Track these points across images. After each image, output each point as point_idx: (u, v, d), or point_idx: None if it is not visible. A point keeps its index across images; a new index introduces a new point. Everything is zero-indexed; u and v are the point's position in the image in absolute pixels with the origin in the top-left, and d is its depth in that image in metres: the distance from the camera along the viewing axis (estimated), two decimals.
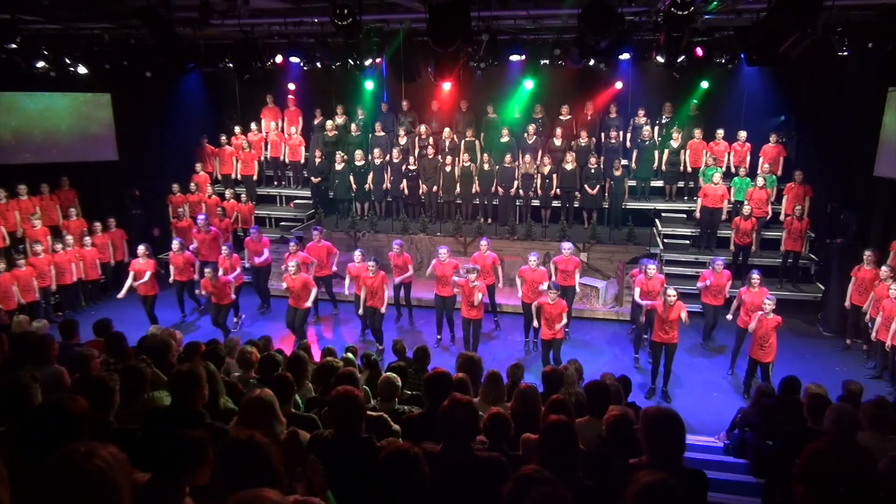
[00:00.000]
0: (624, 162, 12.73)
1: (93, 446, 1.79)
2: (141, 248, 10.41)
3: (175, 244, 10.84)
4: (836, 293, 10.39)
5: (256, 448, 2.36)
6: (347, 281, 10.19)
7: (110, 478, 1.74)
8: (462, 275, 9.53)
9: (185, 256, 10.79)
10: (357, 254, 10.22)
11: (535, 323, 8.88)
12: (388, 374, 5.09)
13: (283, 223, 13.99)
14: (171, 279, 10.95)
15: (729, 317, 9.13)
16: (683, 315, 8.20)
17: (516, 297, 9.91)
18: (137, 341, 6.18)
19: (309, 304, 9.61)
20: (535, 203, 12.95)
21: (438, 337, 10.14)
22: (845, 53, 8.25)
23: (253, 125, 14.32)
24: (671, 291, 8.27)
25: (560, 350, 8.80)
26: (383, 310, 9.70)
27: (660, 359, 8.52)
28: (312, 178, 13.47)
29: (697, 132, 12.42)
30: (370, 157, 13.16)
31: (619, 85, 12.92)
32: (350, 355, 7.03)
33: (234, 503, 1.84)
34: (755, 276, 8.90)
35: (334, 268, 11.23)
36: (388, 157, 13.10)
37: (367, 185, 13.21)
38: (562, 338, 8.86)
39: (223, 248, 10.81)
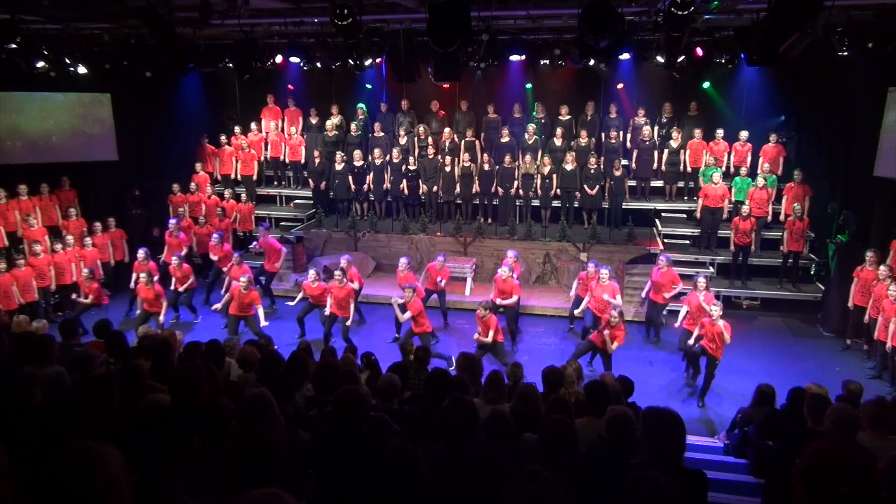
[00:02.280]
0: (624, 162, 12.73)
1: (91, 446, 1.79)
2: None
3: (174, 260, 10.67)
4: (836, 293, 10.39)
5: (271, 445, 2.40)
6: (300, 296, 10.05)
7: (108, 478, 1.74)
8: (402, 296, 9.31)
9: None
10: (311, 272, 9.95)
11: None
12: (388, 374, 5.09)
13: (283, 223, 13.99)
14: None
15: (676, 325, 9.15)
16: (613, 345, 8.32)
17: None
18: (137, 341, 6.19)
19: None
20: (535, 203, 12.95)
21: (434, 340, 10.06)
22: (845, 53, 8.25)
23: (253, 125, 14.32)
24: (615, 314, 8.29)
25: (500, 353, 8.79)
26: (349, 323, 9.54)
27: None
28: (311, 181, 13.50)
29: (697, 132, 12.43)
30: (370, 157, 13.16)
31: (619, 85, 12.95)
32: (350, 355, 7.03)
33: (249, 502, 1.83)
34: (701, 280, 8.98)
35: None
36: (387, 157, 13.10)
37: (366, 185, 13.22)
38: (491, 343, 8.70)
39: (173, 258, 10.64)
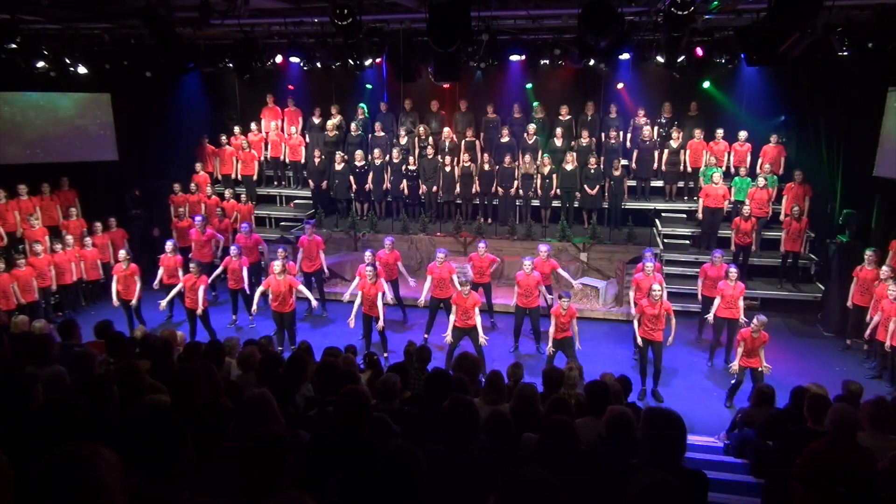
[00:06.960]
0: (624, 162, 12.73)
1: (79, 447, 1.78)
2: (122, 253, 10.52)
3: (168, 245, 10.68)
4: (836, 293, 10.39)
5: (278, 442, 2.42)
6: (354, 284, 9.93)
7: (102, 479, 1.73)
8: (459, 281, 9.33)
9: (176, 259, 10.56)
10: (367, 254, 9.97)
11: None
12: (388, 374, 5.09)
13: (283, 223, 13.99)
14: (155, 283, 10.66)
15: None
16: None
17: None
18: (138, 342, 6.19)
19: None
20: (535, 203, 12.95)
21: (426, 336, 9.96)
22: (845, 53, 8.24)
23: (253, 125, 14.31)
24: (656, 287, 8.31)
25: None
26: (381, 323, 9.33)
27: (647, 356, 8.51)
28: (311, 182, 13.49)
29: (697, 132, 12.42)
30: (370, 157, 13.16)
31: (619, 85, 12.94)
32: (350, 355, 7.01)
33: None
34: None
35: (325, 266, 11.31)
36: (387, 158, 13.10)
37: (367, 186, 13.21)
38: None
39: (232, 248, 10.57)
